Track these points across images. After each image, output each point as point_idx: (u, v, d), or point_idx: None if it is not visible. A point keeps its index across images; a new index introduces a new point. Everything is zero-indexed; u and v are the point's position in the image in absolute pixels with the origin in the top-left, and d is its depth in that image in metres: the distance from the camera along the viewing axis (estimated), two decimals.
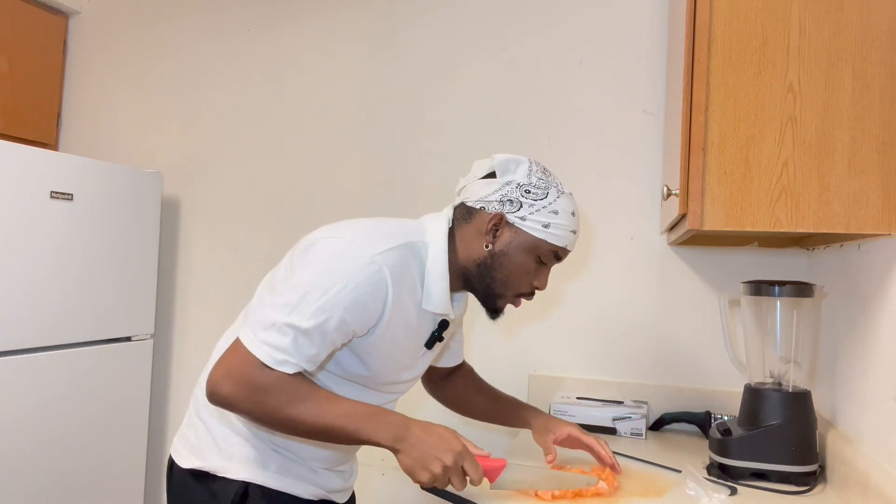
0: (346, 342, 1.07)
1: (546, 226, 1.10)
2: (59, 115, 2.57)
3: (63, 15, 2.57)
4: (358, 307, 1.02)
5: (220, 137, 2.38)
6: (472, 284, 1.16)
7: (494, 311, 1.18)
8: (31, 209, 1.86)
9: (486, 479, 1.06)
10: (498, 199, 1.11)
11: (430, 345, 1.18)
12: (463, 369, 1.45)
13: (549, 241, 1.11)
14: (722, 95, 1.22)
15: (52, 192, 1.92)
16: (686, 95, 1.27)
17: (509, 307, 1.22)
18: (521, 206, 1.10)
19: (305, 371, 1.03)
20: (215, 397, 1.00)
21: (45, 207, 1.90)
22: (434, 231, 1.13)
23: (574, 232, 1.14)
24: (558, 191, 1.13)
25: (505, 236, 1.12)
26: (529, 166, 1.13)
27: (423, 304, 1.11)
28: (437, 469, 0.99)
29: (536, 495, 1.19)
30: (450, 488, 1.04)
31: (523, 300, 1.18)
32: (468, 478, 1.03)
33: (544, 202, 1.11)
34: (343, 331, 1.02)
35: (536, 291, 1.17)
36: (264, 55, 2.34)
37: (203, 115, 2.41)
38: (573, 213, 1.13)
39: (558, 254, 1.13)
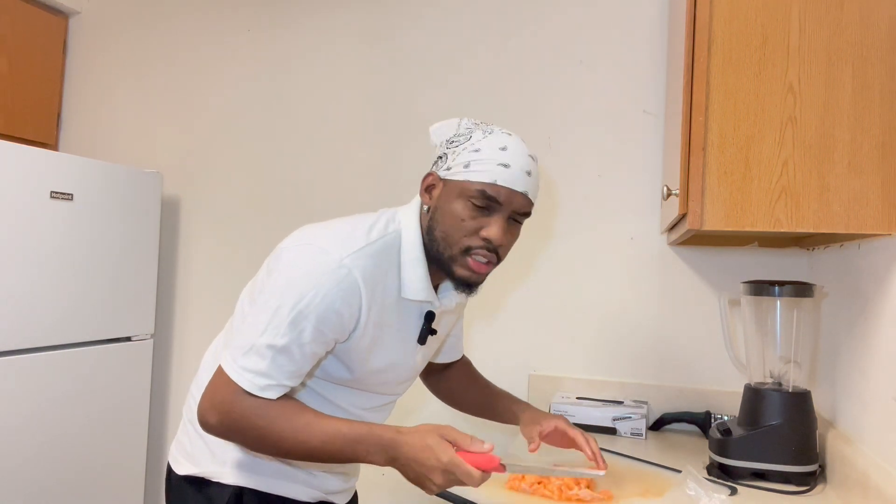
0: (329, 350, 1.04)
1: (466, 165, 1.02)
2: (59, 115, 2.57)
3: (63, 15, 2.57)
4: (331, 315, 0.98)
5: (220, 137, 2.38)
6: (434, 261, 1.07)
7: (459, 282, 1.06)
8: (31, 209, 1.86)
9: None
10: (433, 163, 1.09)
11: (422, 340, 1.13)
12: (460, 362, 1.43)
13: (472, 178, 1.01)
14: (722, 95, 1.22)
15: (52, 192, 1.91)
16: (686, 95, 1.27)
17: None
18: (447, 157, 1.06)
19: (291, 388, 1.01)
20: (206, 427, 1.00)
21: (45, 207, 1.90)
22: (405, 217, 1.10)
23: (505, 165, 1.01)
24: (484, 132, 1.05)
25: (436, 192, 1.06)
26: (458, 122, 1.08)
27: (402, 292, 1.06)
28: (432, 490, 0.97)
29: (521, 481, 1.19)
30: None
31: (481, 259, 1.04)
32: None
33: (465, 145, 1.04)
34: (321, 340, 1.00)
35: (500, 251, 1.05)
36: (264, 55, 2.34)
37: (203, 115, 2.41)
38: (503, 148, 1.02)
39: (486, 192, 1.01)
